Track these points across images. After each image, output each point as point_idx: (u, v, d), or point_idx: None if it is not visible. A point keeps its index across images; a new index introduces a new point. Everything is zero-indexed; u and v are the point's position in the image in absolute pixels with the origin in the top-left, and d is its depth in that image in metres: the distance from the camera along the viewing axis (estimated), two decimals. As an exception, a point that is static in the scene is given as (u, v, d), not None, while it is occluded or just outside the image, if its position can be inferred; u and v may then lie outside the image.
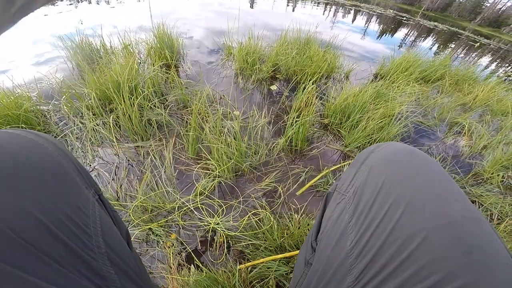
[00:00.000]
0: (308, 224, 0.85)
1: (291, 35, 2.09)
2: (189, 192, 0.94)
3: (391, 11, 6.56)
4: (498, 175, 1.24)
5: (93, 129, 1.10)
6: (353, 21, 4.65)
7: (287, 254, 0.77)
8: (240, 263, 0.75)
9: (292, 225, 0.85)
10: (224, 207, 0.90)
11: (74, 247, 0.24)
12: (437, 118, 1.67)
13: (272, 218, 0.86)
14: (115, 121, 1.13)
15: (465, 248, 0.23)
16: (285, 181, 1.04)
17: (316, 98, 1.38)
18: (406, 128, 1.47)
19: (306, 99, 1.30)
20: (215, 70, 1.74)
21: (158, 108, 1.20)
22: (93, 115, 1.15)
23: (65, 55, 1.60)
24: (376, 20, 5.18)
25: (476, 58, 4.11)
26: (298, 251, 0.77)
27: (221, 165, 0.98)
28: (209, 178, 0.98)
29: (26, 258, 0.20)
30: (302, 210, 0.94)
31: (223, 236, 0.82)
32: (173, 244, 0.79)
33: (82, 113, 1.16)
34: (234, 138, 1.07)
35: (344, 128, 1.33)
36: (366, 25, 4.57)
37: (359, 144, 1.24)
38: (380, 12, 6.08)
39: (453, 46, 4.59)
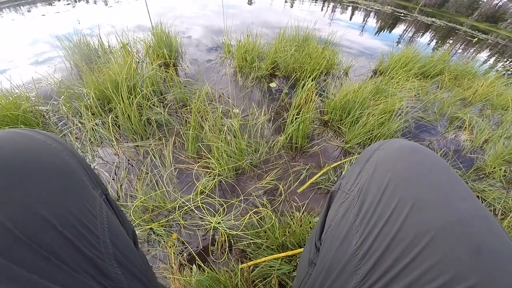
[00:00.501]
0: (310, 222, 0.84)
1: (290, 32, 2.08)
2: (189, 191, 0.93)
3: (389, 7, 6.54)
4: (500, 169, 1.24)
5: (92, 129, 1.09)
6: (351, 18, 4.64)
7: (289, 253, 0.76)
8: (242, 262, 0.75)
9: (293, 223, 0.84)
10: (225, 205, 0.90)
11: (81, 247, 0.23)
12: (438, 113, 1.66)
13: (273, 216, 0.85)
14: (114, 120, 1.12)
15: (474, 247, 0.22)
16: (286, 178, 1.04)
17: (316, 95, 1.37)
18: (406, 123, 1.46)
19: (306, 96, 1.29)
20: (214, 68, 1.73)
21: (157, 107, 1.20)
22: (92, 114, 1.14)
23: (63, 55, 1.59)
24: (374, 16, 5.17)
25: (474, 54, 4.11)
26: (300, 249, 0.77)
27: (222, 164, 0.97)
28: (209, 176, 0.97)
29: (32, 258, 0.20)
30: (304, 207, 0.93)
31: (224, 235, 0.81)
32: (174, 244, 0.78)
33: (81, 113, 1.15)
34: (234, 136, 1.06)
35: (344, 125, 1.32)
36: (364, 21, 4.56)
37: (359, 140, 1.24)
38: (377, 8, 6.07)
39: (451, 41, 4.59)
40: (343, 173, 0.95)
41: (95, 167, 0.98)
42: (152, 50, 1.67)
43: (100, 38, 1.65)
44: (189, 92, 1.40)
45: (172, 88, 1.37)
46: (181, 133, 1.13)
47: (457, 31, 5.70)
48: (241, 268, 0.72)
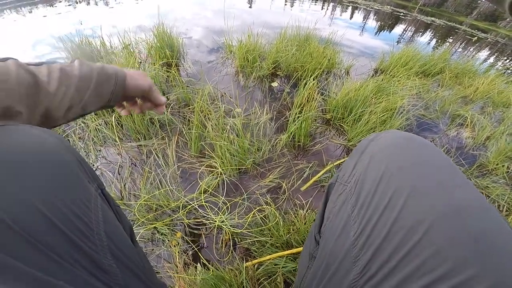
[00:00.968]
0: (314, 220, 0.84)
1: (291, 32, 2.09)
2: (193, 190, 0.93)
3: (388, 7, 6.55)
4: (503, 166, 1.24)
5: (96, 129, 1.09)
6: (351, 18, 4.65)
7: (294, 250, 0.76)
8: (247, 261, 0.75)
9: (297, 221, 0.84)
10: (228, 204, 0.90)
11: (76, 239, 0.23)
12: (439, 110, 1.66)
13: (277, 214, 0.85)
14: (117, 120, 1.12)
15: (472, 236, 0.22)
16: (289, 177, 1.04)
17: (318, 93, 1.37)
18: (408, 121, 1.46)
19: (308, 95, 1.29)
20: (216, 68, 1.73)
21: (160, 107, 1.20)
22: (95, 114, 1.15)
23: (66, 56, 1.59)
24: (374, 16, 5.18)
25: (474, 52, 4.11)
26: (305, 246, 0.77)
27: (225, 162, 0.97)
28: (212, 175, 0.97)
29: (27, 250, 0.20)
30: (307, 205, 0.93)
31: (228, 233, 0.81)
32: (178, 243, 0.78)
33: (83, 114, 1.15)
34: (237, 135, 1.06)
35: (347, 123, 1.32)
36: (364, 21, 4.57)
37: (362, 138, 1.24)
38: (377, 8, 6.08)
39: (451, 40, 4.59)
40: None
41: (98, 167, 0.98)
42: (154, 51, 1.67)
43: (102, 39, 1.66)
44: (192, 92, 1.40)
45: (175, 88, 1.38)
46: (184, 132, 1.14)
47: (456, 30, 5.71)
48: (246, 267, 0.72)
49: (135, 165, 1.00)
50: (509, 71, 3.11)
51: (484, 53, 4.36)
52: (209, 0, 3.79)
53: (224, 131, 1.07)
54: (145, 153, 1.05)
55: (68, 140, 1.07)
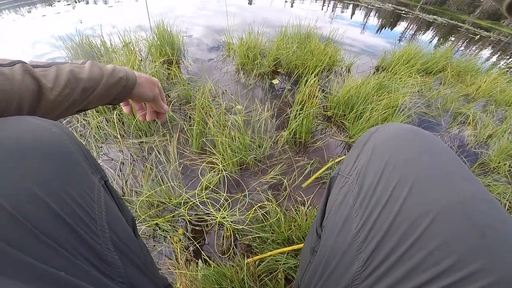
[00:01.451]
0: (315, 216, 0.84)
1: (291, 30, 2.08)
2: (194, 187, 0.93)
3: (390, 5, 6.51)
4: (504, 164, 1.23)
5: (97, 126, 1.09)
6: (351, 16, 4.62)
7: (295, 247, 0.76)
8: (248, 257, 0.75)
9: (299, 217, 0.84)
10: (230, 200, 0.90)
11: (78, 229, 0.23)
12: (441, 108, 1.65)
13: (278, 211, 0.85)
14: (118, 117, 1.12)
15: (478, 229, 0.22)
16: (290, 173, 1.04)
17: (319, 90, 1.37)
18: (410, 118, 1.46)
19: (309, 92, 1.29)
20: (216, 66, 1.73)
21: (161, 104, 1.20)
22: (96, 112, 1.15)
23: (66, 55, 1.59)
24: (375, 14, 5.15)
25: (476, 51, 4.08)
26: (306, 242, 0.77)
27: (226, 159, 0.97)
28: (214, 172, 0.97)
29: (28, 240, 0.19)
30: (309, 202, 0.93)
31: (229, 229, 0.81)
32: (180, 239, 0.78)
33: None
34: (238, 132, 1.06)
35: (348, 120, 1.32)
36: (365, 19, 4.54)
37: (363, 136, 1.24)
38: (378, 6, 6.04)
39: (453, 39, 4.56)
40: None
41: (100, 164, 0.98)
42: (154, 49, 1.67)
43: (102, 37, 1.66)
44: (192, 89, 1.40)
45: (175, 85, 1.38)
46: (185, 129, 1.14)
47: (459, 29, 5.67)
48: (247, 263, 0.72)
49: (137, 162, 1.01)
50: None
51: (486, 52, 4.33)
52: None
53: (225, 128, 1.07)
54: (147, 150, 1.05)
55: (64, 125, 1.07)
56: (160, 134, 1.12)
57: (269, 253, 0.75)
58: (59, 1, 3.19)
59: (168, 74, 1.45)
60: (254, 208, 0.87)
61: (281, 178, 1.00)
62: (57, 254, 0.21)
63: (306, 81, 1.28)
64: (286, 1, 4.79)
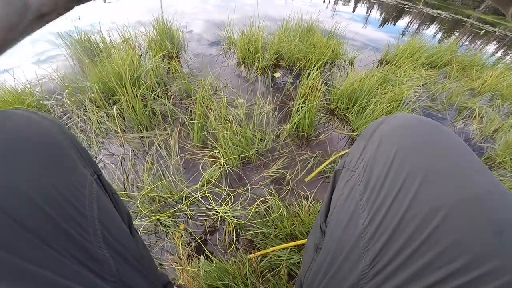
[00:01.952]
0: (319, 211, 0.83)
1: (293, 24, 2.05)
2: (196, 181, 0.92)
3: (393, -1, 6.41)
4: (511, 159, 1.21)
5: (98, 121, 1.08)
6: (354, 10, 4.56)
7: (298, 242, 0.75)
8: (250, 253, 0.74)
9: (302, 212, 0.83)
10: (231, 195, 0.89)
11: (66, 226, 0.22)
12: (446, 102, 1.63)
13: (281, 206, 0.84)
14: (119, 112, 1.11)
15: (495, 226, 0.20)
16: (293, 167, 1.02)
17: (321, 84, 1.35)
18: (414, 112, 1.43)
19: (312, 85, 1.27)
20: (217, 60, 1.71)
21: (162, 98, 1.18)
22: (97, 107, 1.14)
23: (66, 52, 1.58)
24: (378, 8, 5.07)
25: (482, 46, 4.02)
26: (310, 238, 0.76)
27: (228, 153, 0.96)
28: (215, 166, 0.96)
29: (11, 237, 0.18)
30: (312, 196, 0.92)
31: (232, 225, 0.80)
32: (182, 235, 0.77)
33: (85, 106, 1.14)
34: (240, 125, 1.05)
35: (351, 113, 1.30)
36: (368, 13, 4.48)
37: (367, 130, 1.22)
38: (381, 0, 5.96)
39: (457, 34, 4.49)
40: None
41: (101, 159, 0.97)
42: (154, 43, 1.65)
43: (101, 33, 1.63)
44: (193, 83, 1.38)
45: (176, 80, 1.36)
46: (186, 123, 1.12)
47: (463, 23, 5.58)
48: (249, 259, 0.71)
49: (138, 157, 1.00)
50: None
51: (492, 47, 4.27)
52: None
53: (227, 121, 1.05)
54: (148, 144, 1.04)
55: (56, 118, 1.06)
56: (161, 128, 1.11)
57: (272, 248, 0.74)
58: None
59: (169, 68, 1.43)
60: (256, 203, 0.86)
61: (283, 172, 0.99)
62: (42, 252, 0.19)
63: (309, 74, 1.26)
64: (287, -4, 4.73)
